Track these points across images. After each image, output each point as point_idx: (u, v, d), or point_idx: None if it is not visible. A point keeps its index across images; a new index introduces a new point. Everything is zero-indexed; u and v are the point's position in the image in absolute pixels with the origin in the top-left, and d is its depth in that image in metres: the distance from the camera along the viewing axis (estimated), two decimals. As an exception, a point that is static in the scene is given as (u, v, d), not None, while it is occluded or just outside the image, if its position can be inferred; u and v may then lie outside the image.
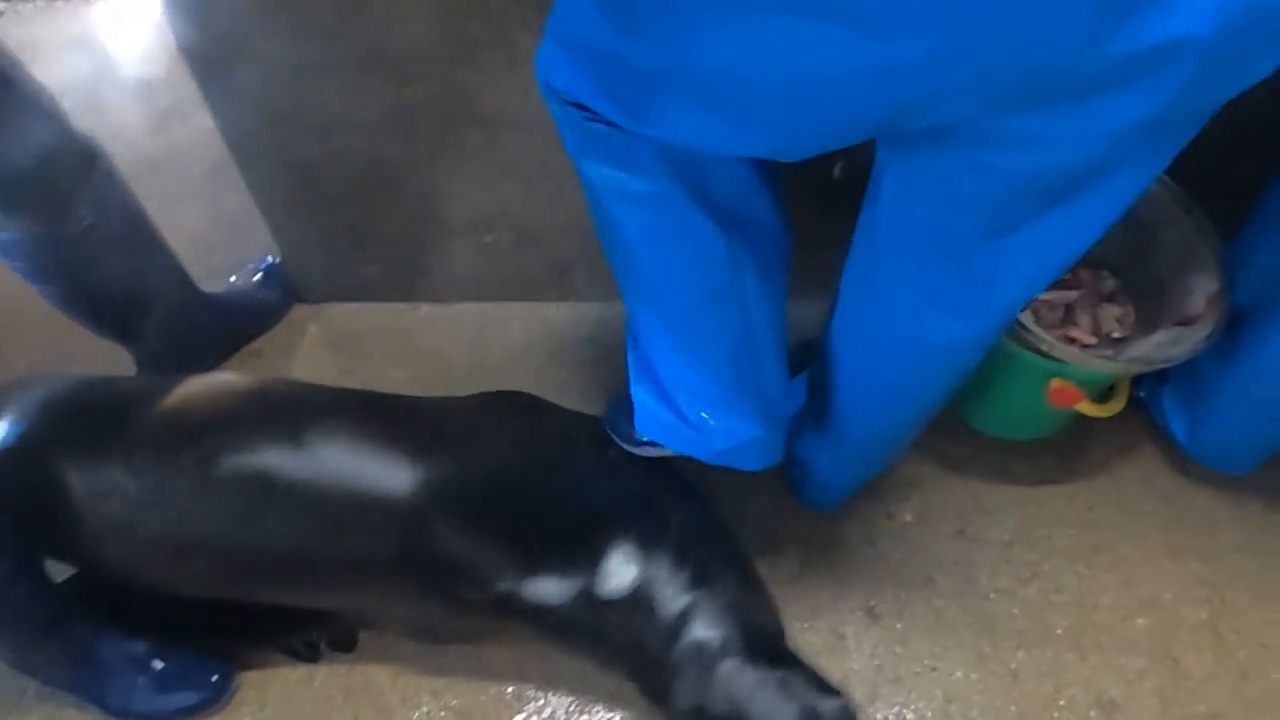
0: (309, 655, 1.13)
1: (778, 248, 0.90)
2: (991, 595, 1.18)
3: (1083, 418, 1.15)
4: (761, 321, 0.90)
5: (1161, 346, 1.08)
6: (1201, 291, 1.10)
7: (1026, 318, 1.16)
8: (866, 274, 0.87)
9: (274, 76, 1.09)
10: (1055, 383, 1.09)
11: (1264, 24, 0.55)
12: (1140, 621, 1.16)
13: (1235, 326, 1.07)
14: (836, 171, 1.17)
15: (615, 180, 0.77)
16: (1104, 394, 1.16)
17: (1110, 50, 0.57)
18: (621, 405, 1.05)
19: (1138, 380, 1.28)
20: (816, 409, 1.07)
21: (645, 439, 1.03)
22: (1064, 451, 1.28)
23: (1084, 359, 1.04)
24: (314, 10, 1.03)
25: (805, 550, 1.21)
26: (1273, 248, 1.04)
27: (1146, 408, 1.29)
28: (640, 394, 0.97)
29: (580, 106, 0.72)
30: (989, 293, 0.81)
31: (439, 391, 1.11)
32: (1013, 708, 1.09)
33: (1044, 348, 1.04)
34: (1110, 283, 1.20)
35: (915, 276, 0.83)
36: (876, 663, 1.13)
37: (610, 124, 0.72)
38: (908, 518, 1.24)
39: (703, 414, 0.93)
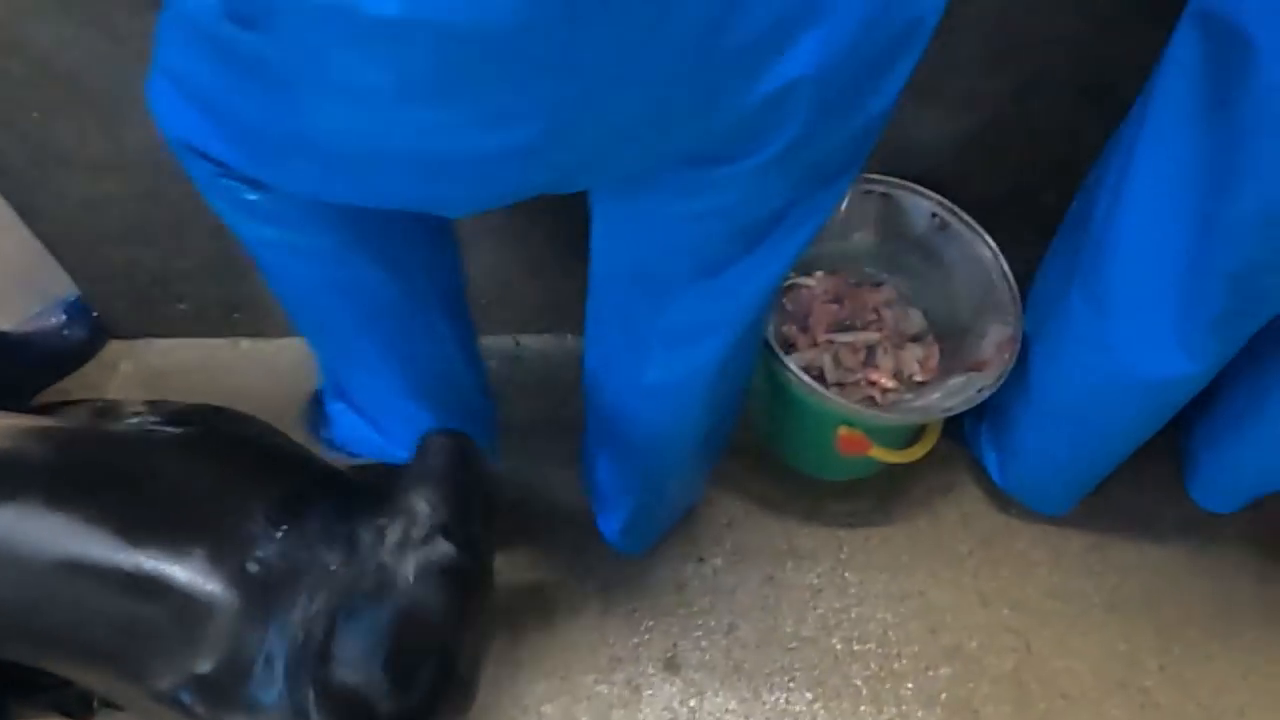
0: (82, 713, 1.09)
1: (456, 282, 0.90)
2: (794, 644, 1.15)
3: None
4: (450, 349, 0.90)
5: (946, 395, 1.05)
6: (994, 337, 1.07)
7: (826, 362, 1.13)
8: (592, 315, 0.86)
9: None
10: (843, 430, 1.06)
11: (864, 60, 0.56)
12: (944, 671, 1.13)
13: (1023, 361, 1.04)
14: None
15: (274, 237, 0.73)
16: (913, 436, 1.13)
17: (736, 104, 0.56)
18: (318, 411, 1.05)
19: (958, 416, 1.25)
20: (602, 448, 1.05)
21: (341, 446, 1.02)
22: (884, 491, 1.25)
23: (855, 410, 1.01)
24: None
25: (607, 596, 1.18)
26: (1054, 280, 1.01)
27: (968, 444, 1.26)
28: (334, 408, 0.97)
29: (206, 156, 0.67)
30: (694, 335, 0.80)
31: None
32: (801, 764, 1.07)
33: (815, 399, 1.01)
34: (917, 323, 1.17)
35: (625, 320, 0.82)
36: (669, 717, 1.10)
37: (247, 180, 0.68)
38: (718, 562, 1.21)
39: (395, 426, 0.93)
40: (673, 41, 0.51)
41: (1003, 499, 1.23)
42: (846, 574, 1.20)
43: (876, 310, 1.17)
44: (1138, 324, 0.85)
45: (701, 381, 0.86)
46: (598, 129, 0.56)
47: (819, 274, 1.18)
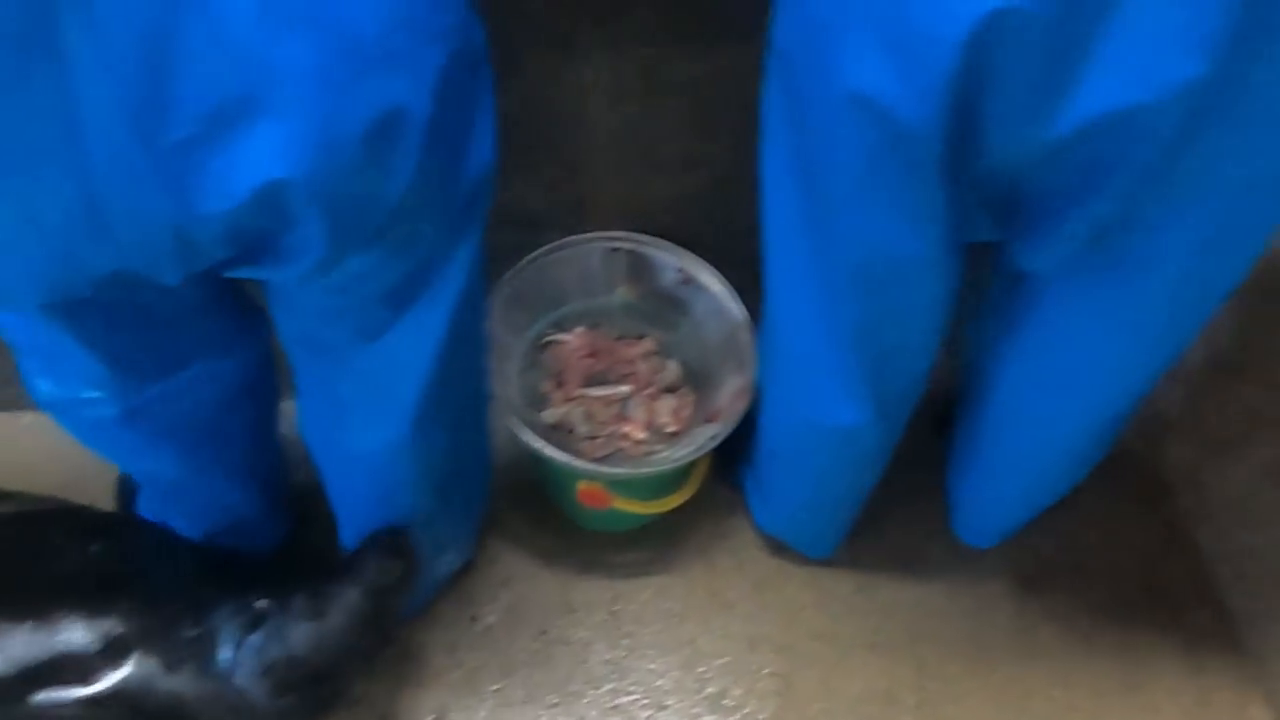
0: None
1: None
2: (557, 700, 1.15)
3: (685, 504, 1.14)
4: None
5: (689, 444, 1.07)
6: (730, 386, 1.10)
7: (578, 416, 1.15)
8: (297, 381, 0.88)
9: None
10: (582, 485, 1.07)
11: (354, 156, 0.58)
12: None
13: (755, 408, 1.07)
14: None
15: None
16: (673, 484, 1.14)
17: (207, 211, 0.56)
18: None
19: (736, 463, 1.27)
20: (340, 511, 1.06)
21: None
22: (664, 540, 1.27)
23: (581, 466, 1.02)
24: None
25: (375, 662, 1.17)
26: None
27: (743, 491, 1.28)
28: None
29: None
30: (380, 401, 0.82)
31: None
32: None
33: (547, 455, 1.02)
34: (673, 375, 1.20)
35: (319, 386, 0.84)
36: (429, 780, 1.09)
37: None
38: (491, 619, 1.21)
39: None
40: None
41: (776, 544, 1.25)
42: (620, 626, 1.21)
43: (634, 363, 1.19)
44: (803, 374, 0.88)
45: (403, 445, 0.87)
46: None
47: (579, 330, 1.21)
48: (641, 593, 1.23)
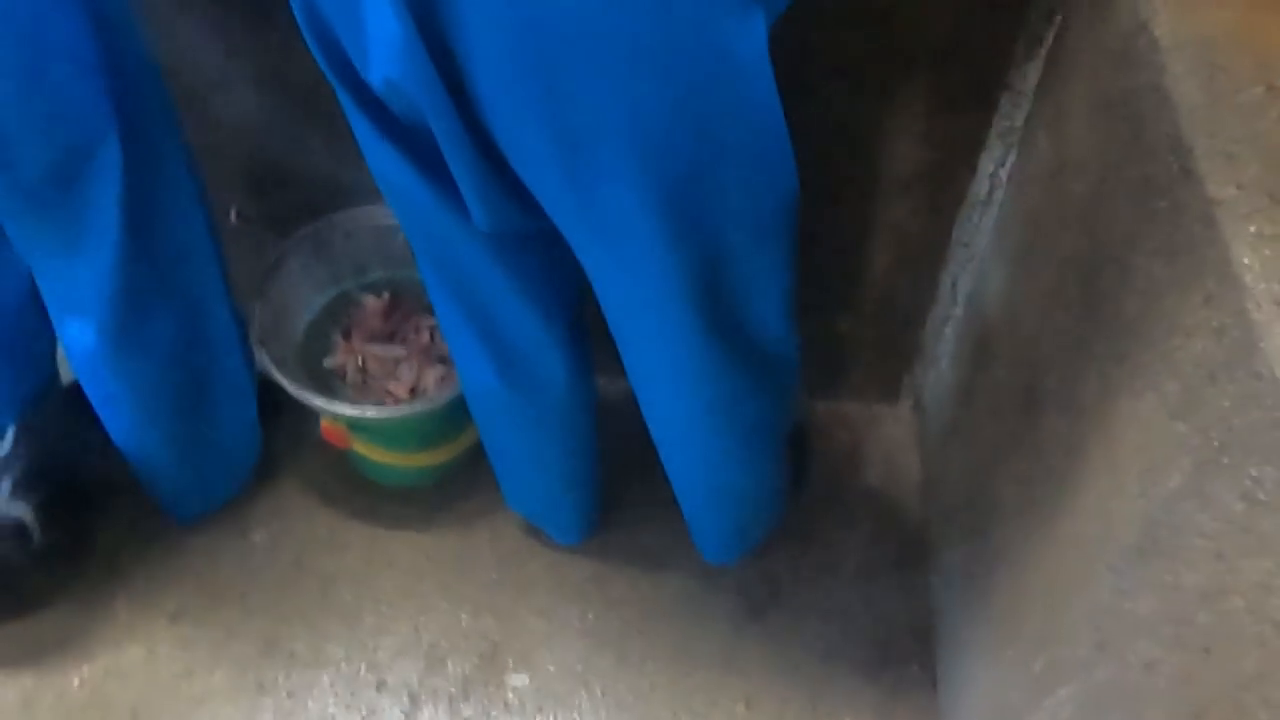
0: None
1: None
2: (292, 620, 1.25)
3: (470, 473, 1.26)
4: None
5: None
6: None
7: (350, 365, 1.27)
8: None
9: None
10: (325, 421, 1.19)
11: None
12: (411, 663, 1.22)
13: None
14: (232, 217, 1.30)
15: None
16: (431, 443, 1.25)
17: None
18: None
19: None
20: None
21: None
22: (433, 503, 1.36)
23: (303, 397, 1.14)
24: None
25: (139, 556, 1.30)
26: None
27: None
28: None
29: None
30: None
31: None
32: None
33: (273, 375, 1.14)
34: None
35: None
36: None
37: None
38: (257, 539, 1.33)
39: None
40: None
41: (531, 527, 1.33)
42: (367, 569, 1.31)
43: (419, 331, 1.31)
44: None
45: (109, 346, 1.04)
46: None
47: (386, 295, 1.33)
48: (395, 544, 1.33)
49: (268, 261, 1.23)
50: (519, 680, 1.22)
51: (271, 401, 1.28)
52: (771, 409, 1.01)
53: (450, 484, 1.36)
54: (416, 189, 0.78)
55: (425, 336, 1.30)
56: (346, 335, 1.30)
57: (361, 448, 1.20)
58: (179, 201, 1.00)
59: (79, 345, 1.02)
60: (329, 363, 1.28)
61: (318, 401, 1.14)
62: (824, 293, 1.26)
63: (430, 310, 1.33)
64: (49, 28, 0.81)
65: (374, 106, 0.74)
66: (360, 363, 1.27)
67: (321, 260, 1.28)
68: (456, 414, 1.22)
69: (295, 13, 0.71)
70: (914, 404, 1.45)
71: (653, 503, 1.27)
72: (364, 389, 1.26)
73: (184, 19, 1.08)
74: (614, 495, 1.31)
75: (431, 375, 1.27)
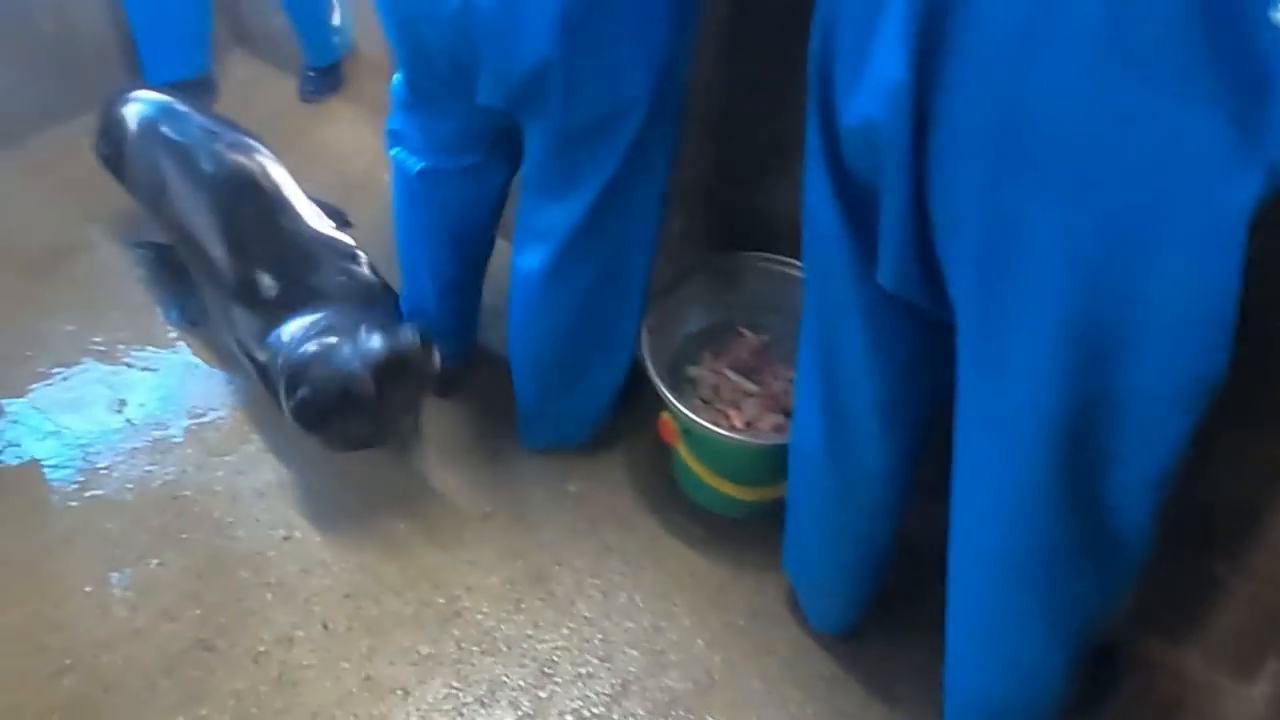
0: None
1: None
2: (551, 557, 1.40)
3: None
4: None
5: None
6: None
7: (705, 380, 1.40)
8: None
9: None
10: (663, 415, 1.31)
11: None
12: (631, 654, 1.30)
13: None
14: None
15: None
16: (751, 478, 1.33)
17: None
18: None
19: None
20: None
21: None
22: (726, 532, 1.42)
23: (659, 386, 1.26)
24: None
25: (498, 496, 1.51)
26: None
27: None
28: None
29: None
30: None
31: None
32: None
33: (645, 357, 1.29)
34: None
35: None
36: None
37: None
38: (571, 488, 1.50)
39: None
40: None
41: (793, 597, 1.34)
42: (640, 556, 1.41)
43: (778, 379, 1.39)
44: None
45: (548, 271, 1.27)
46: None
47: (765, 337, 1.44)
48: (671, 549, 1.42)
49: (680, 267, 1.40)
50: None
51: (633, 381, 1.44)
52: (1090, 597, 0.91)
53: (742, 524, 1.42)
54: (836, 233, 0.84)
55: (780, 386, 1.38)
56: (716, 355, 1.42)
57: (685, 453, 1.31)
58: (651, 178, 1.19)
59: (527, 268, 1.25)
60: (692, 371, 1.41)
61: (669, 395, 1.27)
62: (1204, 526, 1.11)
63: (789, 364, 1.41)
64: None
65: (832, 150, 0.82)
66: (716, 383, 1.39)
67: (722, 286, 1.42)
68: (775, 464, 1.28)
69: (811, 44, 0.81)
70: (1273, 694, 1.20)
71: (915, 626, 1.23)
72: (708, 406, 1.37)
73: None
74: (885, 603, 1.27)
75: (769, 421, 1.34)
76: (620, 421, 1.53)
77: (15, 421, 1.57)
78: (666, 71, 1.10)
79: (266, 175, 1.57)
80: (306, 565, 1.40)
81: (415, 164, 1.30)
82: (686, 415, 1.27)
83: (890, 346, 0.89)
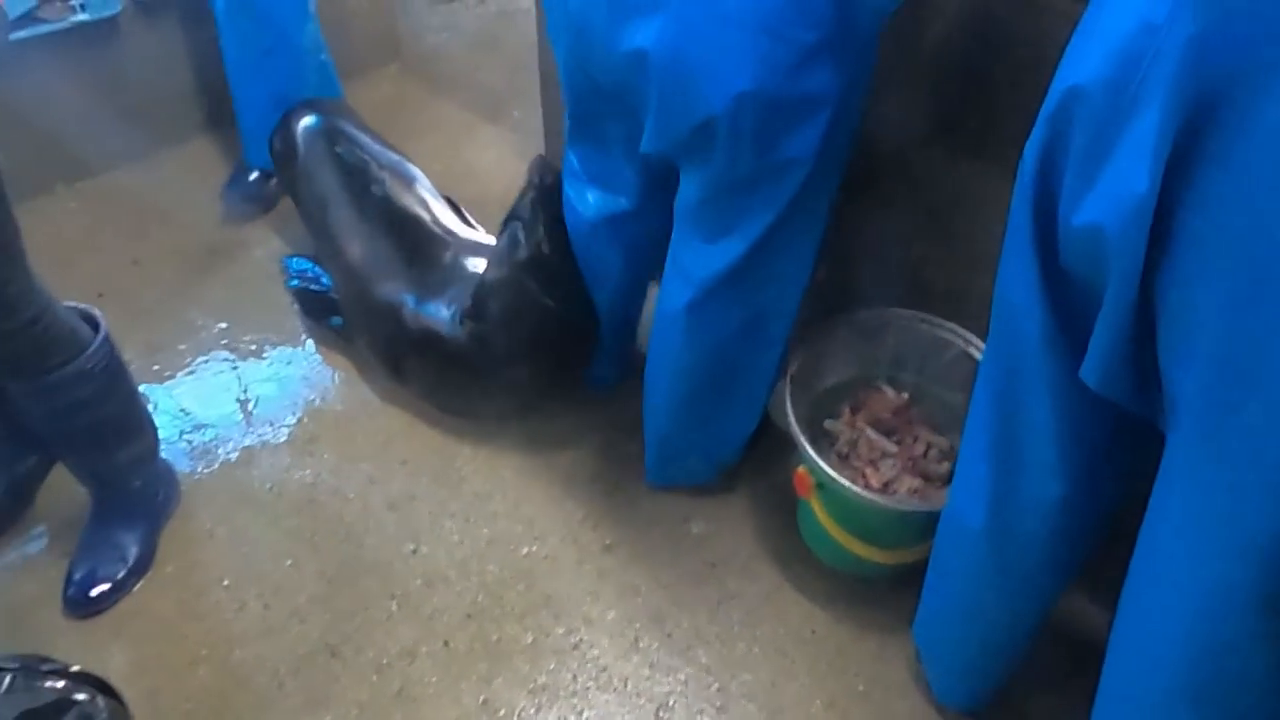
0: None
1: None
2: (670, 598, 1.39)
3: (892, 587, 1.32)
4: None
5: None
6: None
7: (844, 435, 1.37)
8: None
9: None
10: (800, 469, 1.29)
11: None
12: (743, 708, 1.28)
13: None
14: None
15: None
16: (886, 538, 1.30)
17: None
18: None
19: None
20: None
21: None
22: (854, 595, 1.40)
23: (798, 438, 1.24)
24: None
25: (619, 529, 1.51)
26: None
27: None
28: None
29: None
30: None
31: None
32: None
33: (786, 409, 1.27)
34: (936, 471, 1.32)
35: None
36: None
37: None
38: (693, 529, 1.49)
39: None
40: None
41: (918, 664, 1.30)
42: (759, 606, 1.39)
43: (917, 442, 1.35)
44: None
45: (681, 314, 1.28)
46: None
47: (905, 396, 1.40)
48: (790, 605, 1.39)
49: (823, 318, 1.38)
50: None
51: (766, 428, 1.42)
52: None
53: (868, 583, 1.39)
54: (1037, 323, 0.81)
55: (920, 449, 1.34)
56: (855, 410, 1.40)
57: (816, 507, 1.29)
58: (808, 228, 1.18)
59: (672, 305, 1.25)
60: (830, 425, 1.39)
61: (809, 449, 1.25)
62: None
63: (936, 431, 1.38)
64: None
65: (1045, 243, 0.78)
66: (854, 439, 1.36)
67: (867, 341, 1.40)
68: (910, 530, 1.25)
69: (1036, 133, 0.78)
70: None
71: (1048, 713, 1.19)
72: (845, 462, 1.35)
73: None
74: (1017, 686, 1.22)
75: (907, 483, 1.31)
76: (743, 466, 1.52)
77: (156, 409, 1.65)
78: (833, 130, 1.09)
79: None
80: (430, 580, 1.42)
81: (577, 198, 1.32)
82: (826, 472, 1.25)
83: (1081, 439, 0.85)
